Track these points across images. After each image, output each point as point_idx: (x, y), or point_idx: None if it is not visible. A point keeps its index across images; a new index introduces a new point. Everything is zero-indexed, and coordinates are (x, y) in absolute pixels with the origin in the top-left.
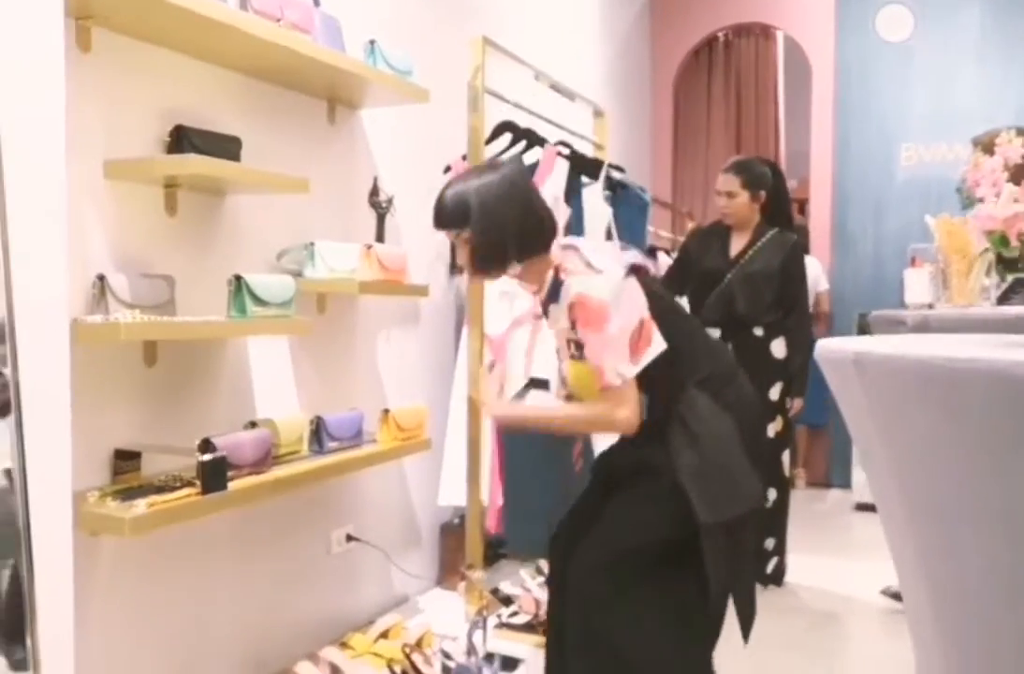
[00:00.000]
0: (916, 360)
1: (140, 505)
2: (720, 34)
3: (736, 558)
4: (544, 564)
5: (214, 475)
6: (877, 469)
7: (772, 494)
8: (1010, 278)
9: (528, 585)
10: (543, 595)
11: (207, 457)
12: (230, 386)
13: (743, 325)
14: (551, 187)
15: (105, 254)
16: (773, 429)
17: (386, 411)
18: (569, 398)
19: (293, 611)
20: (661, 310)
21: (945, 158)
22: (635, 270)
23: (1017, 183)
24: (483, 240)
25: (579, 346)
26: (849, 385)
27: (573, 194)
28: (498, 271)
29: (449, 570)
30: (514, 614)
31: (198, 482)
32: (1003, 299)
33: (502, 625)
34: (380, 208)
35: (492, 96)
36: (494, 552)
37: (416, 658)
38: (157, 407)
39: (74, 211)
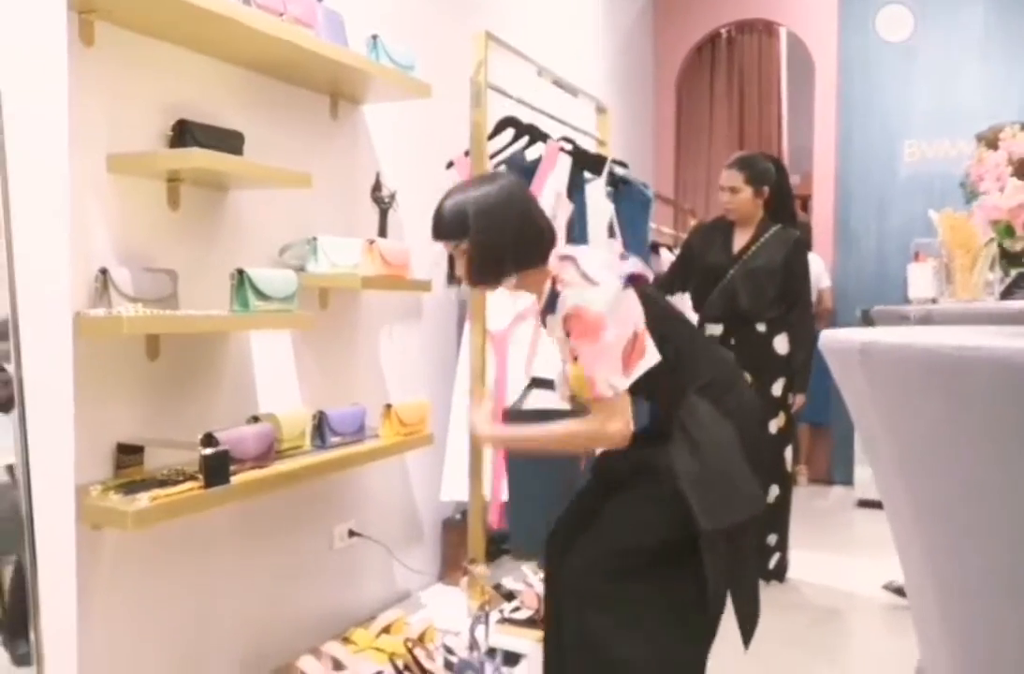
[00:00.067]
0: (922, 349)
1: (143, 498)
2: (723, 30)
3: (737, 564)
4: None
5: (216, 469)
6: (882, 462)
7: (774, 490)
8: (1014, 273)
9: (530, 580)
10: None
11: (209, 451)
12: (232, 381)
13: (745, 321)
14: (554, 183)
15: (108, 248)
16: (776, 425)
17: (388, 406)
18: (573, 399)
19: (295, 605)
20: (660, 317)
21: (948, 154)
22: (633, 280)
23: (1021, 177)
24: (481, 251)
25: (574, 357)
26: (854, 376)
27: (576, 190)
28: (496, 282)
29: (451, 566)
30: (516, 609)
31: (201, 476)
32: (1007, 294)
33: (504, 620)
34: (382, 203)
35: (495, 91)
36: (496, 548)
37: (418, 653)
38: (159, 401)
39: (77, 205)
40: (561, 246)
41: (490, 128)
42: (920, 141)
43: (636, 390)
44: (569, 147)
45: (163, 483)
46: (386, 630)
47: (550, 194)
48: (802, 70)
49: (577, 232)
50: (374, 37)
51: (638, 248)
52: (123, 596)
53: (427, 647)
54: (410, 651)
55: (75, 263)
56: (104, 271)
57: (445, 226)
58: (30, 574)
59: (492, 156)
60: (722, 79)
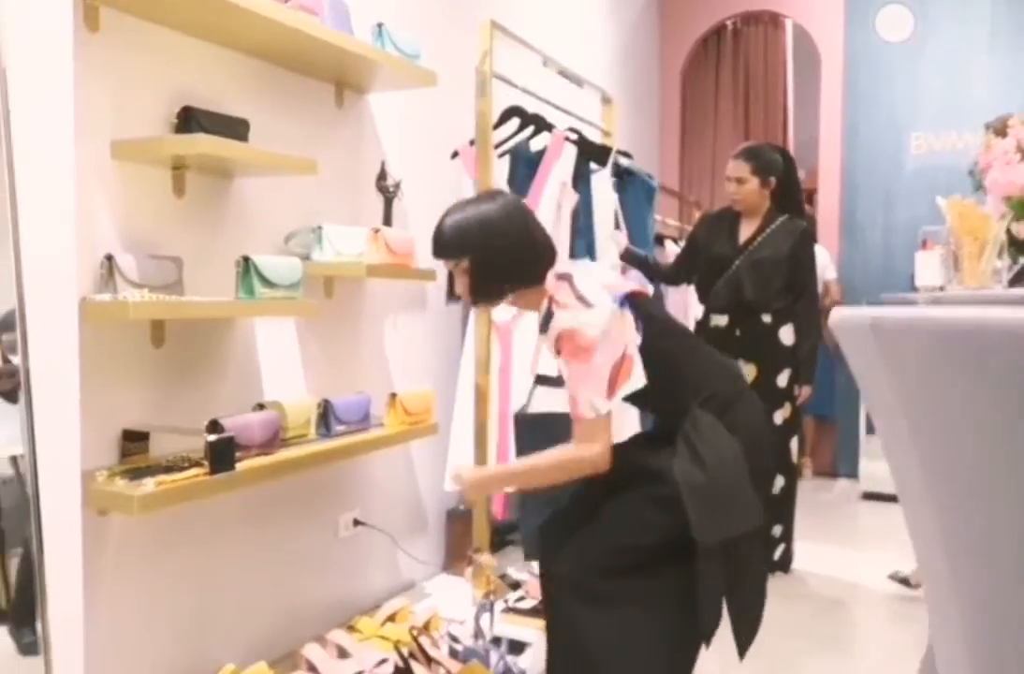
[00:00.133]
0: (935, 319)
1: (149, 484)
2: (729, 22)
3: (737, 574)
4: None
5: (222, 455)
6: (896, 437)
7: (780, 481)
8: (1022, 260)
9: (535, 570)
10: None
11: (215, 437)
12: (238, 369)
13: (751, 311)
14: (559, 173)
15: (113, 235)
16: (781, 416)
17: (393, 395)
18: None
19: (300, 593)
20: (660, 332)
21: (955, 147)
22: (632, 297)
23: None
24: (482, 269)
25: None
26: (867, 352)
27: (581, 180)
28: (498, 300)
29: (455, 556)
30: (521, 599)
31: (206, 462)
32: (1015, 281)
33: (509, 610)
34: (387, 192)
35: (500, 81)
36: (501, 538)
37: (423, 641)
38: (165, 389)
39: (82, 192)
40: (559, 263)
41: (495, 118)
42: (927, 133)
43: (640, 404)
44: (574, 136)
45: (169, 469)
46: (391, 619)
47: (555, 184)
48: (808, 62)
49: (583, 222)
50: (379, 25)
51: (643, 239)
52: (128, 583)
53: (432, 635)
54: (415, 639)
55: (80, 250)
56: (109, 258)
57: (445, 244)
58: (37, 560)
59: (497, 146)
60: (728, 71)
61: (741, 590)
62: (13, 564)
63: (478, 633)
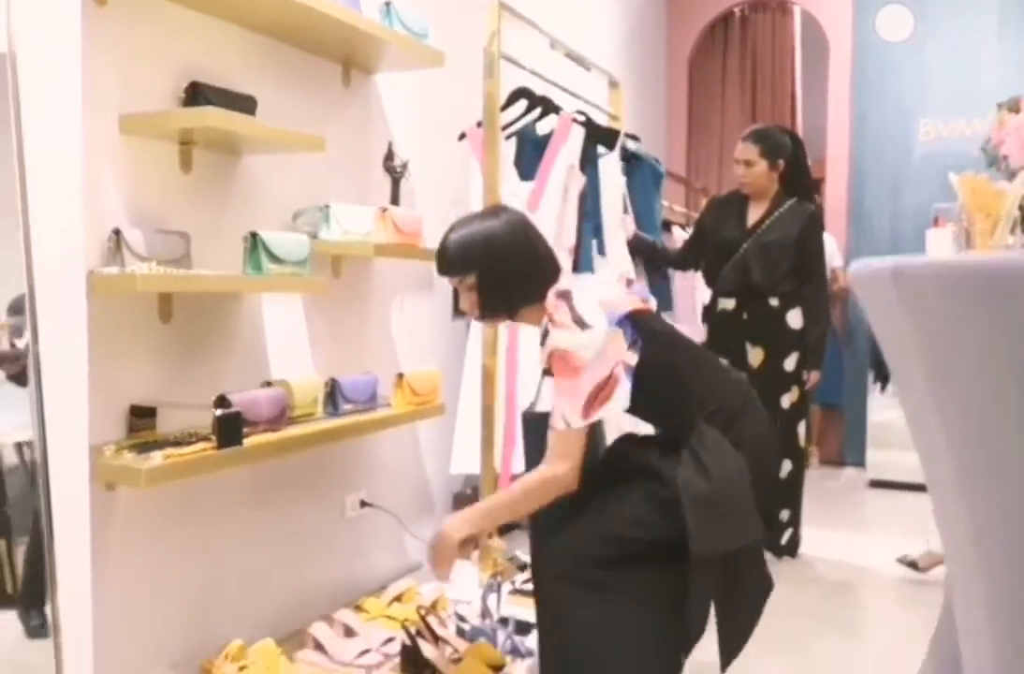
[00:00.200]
0: (958, 265)
1: (156, 457)
2: (736, 9)
3: (731, 585)
4: None
5: (229, 430)
6: (914, 387)
7: (787, 466)
8: None
9: None
10: None
11: (222, 412)
12: (245, 346)
13: (758, 295)
14: (566, 156)
15: (120, 209)
16: (788, 400)
17: (400, 375)
18: None
19: (307, 572)
20: (664, 347)
21: (964, 134)
22: (633, 315)
23: None
24: (487, 286)
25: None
26: (886, 299)
27: (589, 164)
28: (504, 315)
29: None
30: (528, 581)
31: (214, 437)
32: None
33: (516, 591)
34: (395, 173)
35: (508, 62)
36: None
37: (431, 619)
38: (172, 364)
39: (89, 166)
40: (562, 279)
41: (503, 99)
42: (935, 120)
43: (645, 418)
44: (582, 118)
45: (176, 444)
46: (398, 599)
47: (562, 167)
48: (816, 49)
49: (590, 206)
50: (387, 4)
51: (650, 224)
52: (136, 560)
53: (440, 614)
54: (423, 618)
55: (88, 224)
56: (117, 232)
57: (450, 261)
58: (46, 535)
59: (504, 127)
60: (735, 58)
61: (735, 603)
62: (20, 552)
63: (485, 613)
